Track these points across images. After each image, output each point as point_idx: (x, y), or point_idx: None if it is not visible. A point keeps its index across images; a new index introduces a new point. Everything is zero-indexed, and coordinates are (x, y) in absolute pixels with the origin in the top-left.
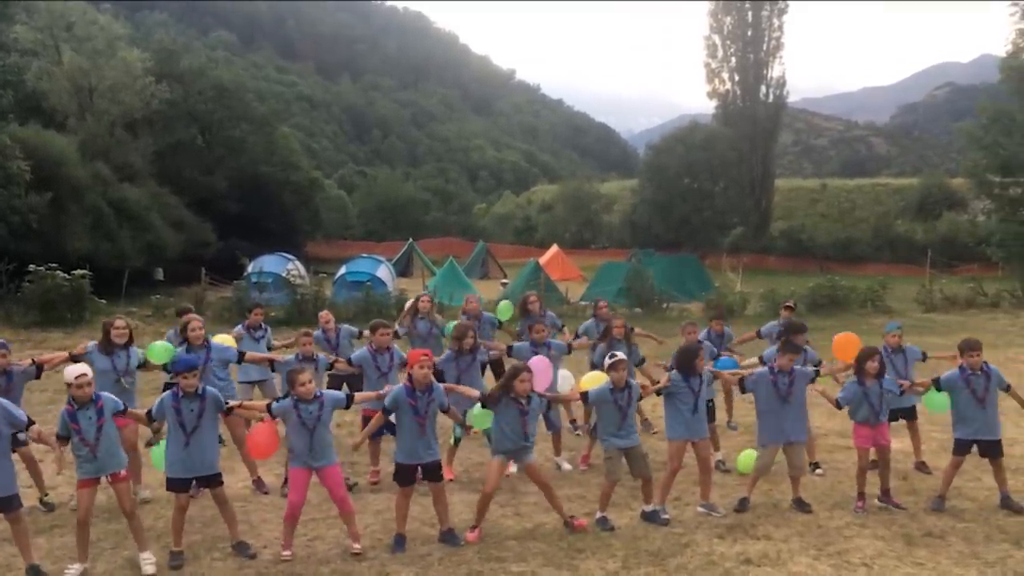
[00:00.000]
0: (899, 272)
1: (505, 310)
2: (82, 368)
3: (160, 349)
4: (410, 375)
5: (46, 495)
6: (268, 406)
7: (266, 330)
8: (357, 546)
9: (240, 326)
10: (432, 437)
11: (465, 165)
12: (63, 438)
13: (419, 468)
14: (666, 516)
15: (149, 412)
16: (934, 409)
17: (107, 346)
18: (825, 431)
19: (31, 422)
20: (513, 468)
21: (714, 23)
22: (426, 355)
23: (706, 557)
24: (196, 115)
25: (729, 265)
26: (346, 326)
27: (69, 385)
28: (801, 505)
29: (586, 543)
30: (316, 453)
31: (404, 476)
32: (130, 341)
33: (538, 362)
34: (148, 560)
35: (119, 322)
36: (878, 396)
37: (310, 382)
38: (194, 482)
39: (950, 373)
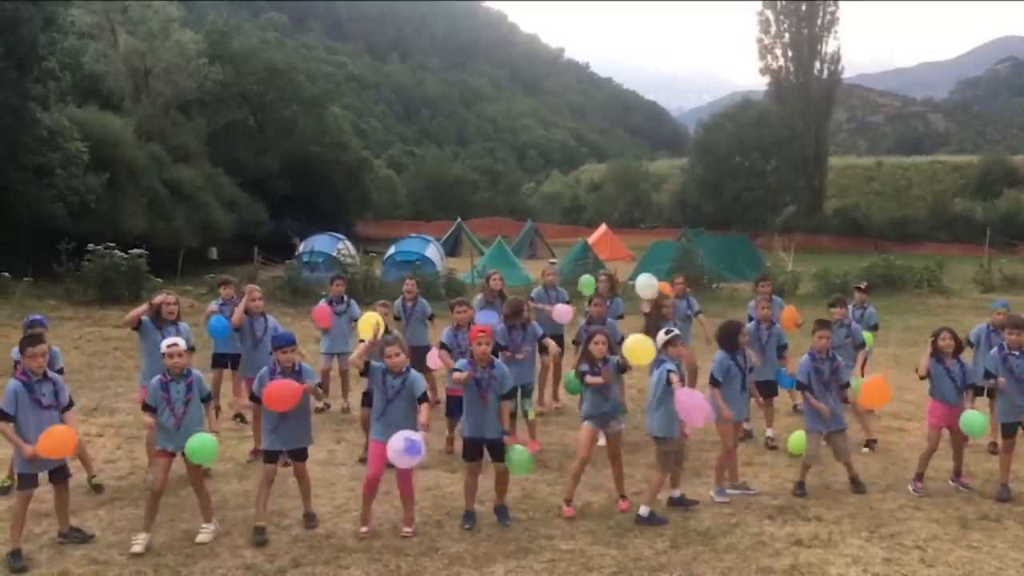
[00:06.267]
0: (957, 252)
1: (587, 285)
2: (175, 339)
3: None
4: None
5: (94, 476)
6: (366, 365)
7: (349, 303)
8: (408, 530)
9: (324, 299)
10: (496, 413)
11: (513, 144)
12: (151, 409)
13: (484, 444)
14: (724, 498)
15: (252, 395)
16: (971, 432)
17: (158, 321)
18: (879, 413)
19: (71, 404)
20: (601, 440)
21: None
22: (483, 331)
23: (756, 537)
24: (248, 96)
25: (781, 244)
26: (424, 300)
27: (163, 355)
28: (856, 485)
29: (634, 522)
30: (388, 426)
31: (470, 451)
32: (178, 318)
33: (687, 398)
34: (207, 530)
35: (170, 298)
36: (960, 375)
37: (398, 355)
38: (283, 454)
39: (991, 354)
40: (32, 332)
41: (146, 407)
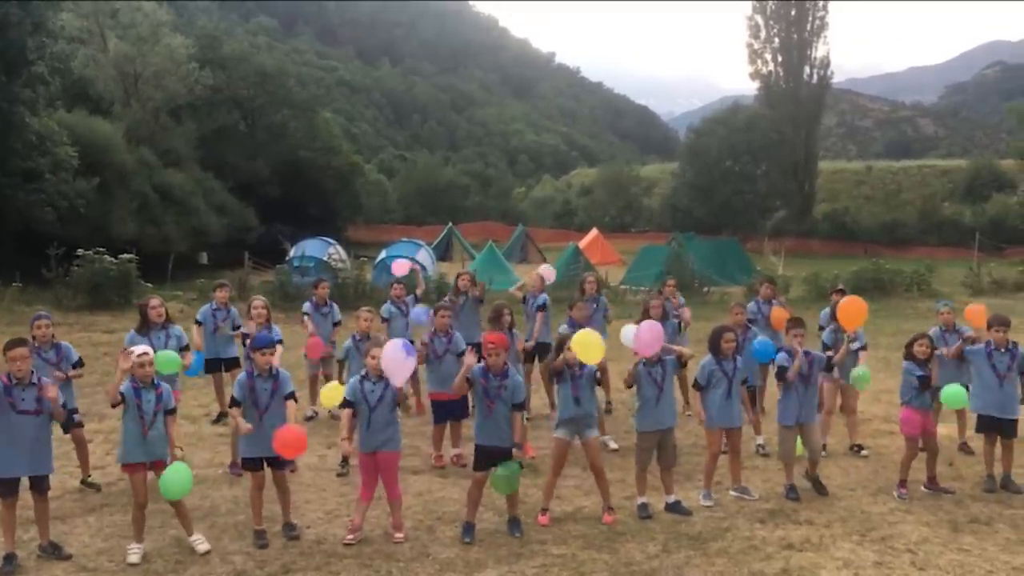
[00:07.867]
0: (946, 255)
1: None
2: (145, 348)
3: (165, 359)
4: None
5: (89, 476)
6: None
7: (331, 306)
8: (400, 535)
9: (308, 304)
10: (504, 424)
11: (504, 149)
12: (123, 400)
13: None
14: (710, 502)
15: (233, 399)
16: (951, 404)
17: (144, 327)
18: (869, 416)
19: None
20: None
21: (757, 3)
22: (494, 342)
23: (747, 541)
24: (238, 101)
25: (771, 249)
26: (421, 306)
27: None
28: (817, 486)
29: (626, 526)
30: (375, 435)
31: (480, 460)
32: (167, 320)
33: (645, 328)
34: (199, 540)
35: (155, 301)
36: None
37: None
38: (264, 462)
39: (976, 347)
40: (13, 338)
41: (121, 395)
